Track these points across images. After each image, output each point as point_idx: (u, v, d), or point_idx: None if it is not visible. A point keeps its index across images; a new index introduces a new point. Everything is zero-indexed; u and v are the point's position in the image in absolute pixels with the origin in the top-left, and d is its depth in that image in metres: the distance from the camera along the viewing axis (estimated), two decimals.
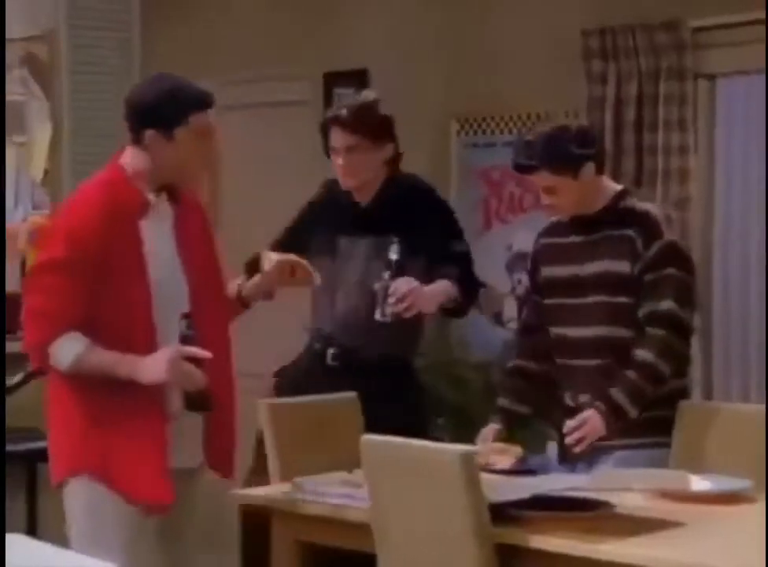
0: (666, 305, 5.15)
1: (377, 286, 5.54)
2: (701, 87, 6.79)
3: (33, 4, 6.97)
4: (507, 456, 5.27)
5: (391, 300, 5.50)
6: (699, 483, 4.79)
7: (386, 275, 5.53)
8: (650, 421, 5.22)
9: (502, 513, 4.41)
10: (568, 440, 5.11)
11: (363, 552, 4.72)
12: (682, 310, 5.19)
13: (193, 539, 4.97)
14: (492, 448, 5.32)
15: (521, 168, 5.33)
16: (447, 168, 7.45)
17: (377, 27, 7.47)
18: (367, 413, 5.53)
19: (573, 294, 5.36)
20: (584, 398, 5.26)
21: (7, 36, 7.06)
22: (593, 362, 5.29)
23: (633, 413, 5.11)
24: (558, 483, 4.81)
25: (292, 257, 5.17)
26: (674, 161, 6.72)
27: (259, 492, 5.20)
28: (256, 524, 5.38)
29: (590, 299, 5.29)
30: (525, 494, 4.46)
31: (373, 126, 5.78)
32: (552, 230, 5.55)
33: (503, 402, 5.55)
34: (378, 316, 5.52)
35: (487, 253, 7.24)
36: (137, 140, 4.78)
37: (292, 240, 5.85)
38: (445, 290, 5.74)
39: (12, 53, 6.94)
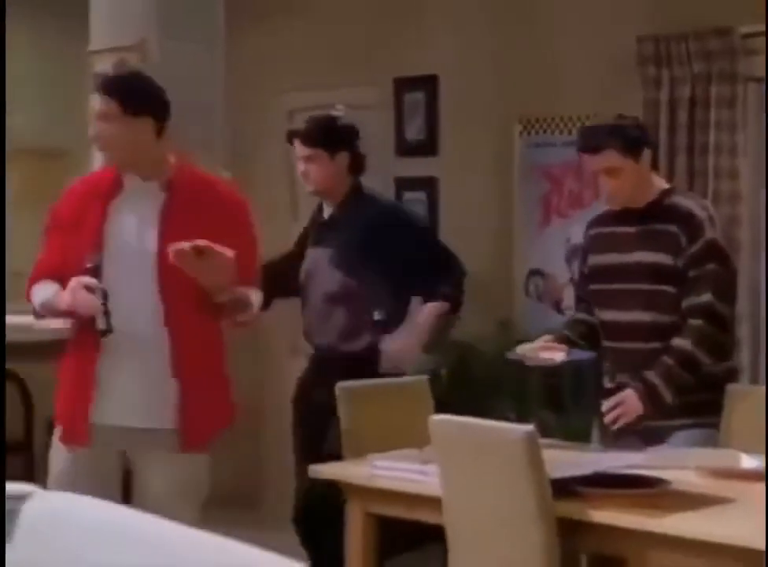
0: (706, 298, 5.11)
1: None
2: (750, 90, 6.77)
3: (126, 17, 6.99)
4: (554, 351, 5.36)
5: (386, 365, 5.80)
6: (747, 462, 4.76)
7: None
8: (700, 403, 5.18)
9: (564, 488, 4.37)
10: (607, 419, 5.10)
11: (431, 524, 4.69)
12: (720, 303, 5.14)
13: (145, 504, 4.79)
14: (540, 345, 5.40)
15: (589, 149, 5.22)
16: (510, 167, 7.43)
17: (446, 35, 7.44)
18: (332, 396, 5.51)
19: (617, 281, 5.32)
20: (622, 377, 5.24)
21: (104, 46, 7.07)
22: (633, 345, 5.26)
23: (667, 396, 5.07)
24: (617, 460, 4.76)
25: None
26: (725, 160, 6.73)
27: (335, 468, 5.17)
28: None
29: (633, 286, 5.25)
30: (586, 470, 4.44)
31: (328, 138, 5.96)
32: (601, 220, 5.52)
33: (563, 331, 5.57)
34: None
35: (547, 246, 7.24)
36: None
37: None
38: (430, 316, 5.97)
39: (108, 61, 6.96)
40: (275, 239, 7.60)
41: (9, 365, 6.10)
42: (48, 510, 3.71)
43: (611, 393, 5.21)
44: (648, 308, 5.21)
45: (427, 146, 7.61)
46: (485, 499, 4.42)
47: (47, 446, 5.12)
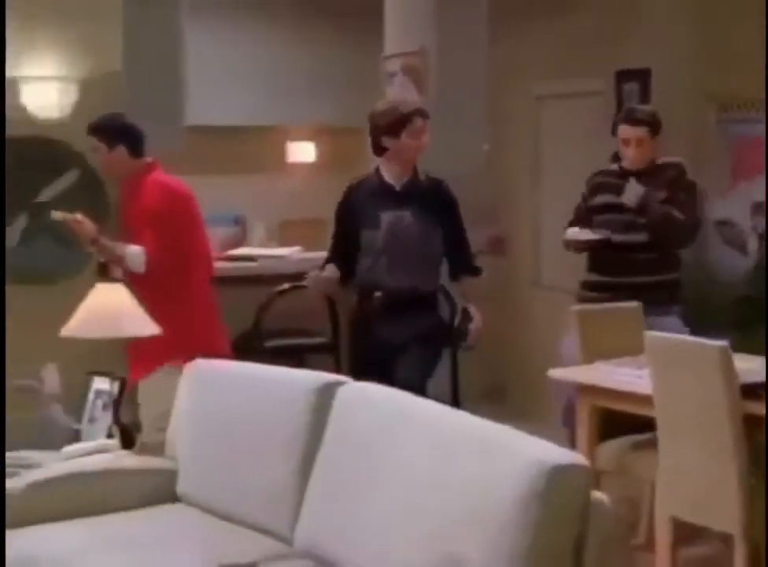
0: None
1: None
2: None
3: (411, 29, 7.06)
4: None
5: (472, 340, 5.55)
6: None
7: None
8: None
9: (752, 392, 4.32)
10: None
11: (644, 415, 4.69)
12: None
13: None
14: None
15: (634, 121, 5.63)
16: (706, 139, 7.31)
17: (658, 34, 7.33)
18: (405, 324, 5.33)
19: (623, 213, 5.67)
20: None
21: (393, 52, 7.18)
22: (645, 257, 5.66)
23: None
24: None
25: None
26: None
27: (570, 372, 5.18)
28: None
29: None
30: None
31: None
32: (607, 173, 5.89)
33: None
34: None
35: (735, 204, 7.13)
36: None
37: (344, 214, 5.57)
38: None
39: (396, 64, 7.08)
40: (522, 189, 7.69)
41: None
42: (355, 393, 3.89)
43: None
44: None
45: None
46: (686, 398, 4.38)
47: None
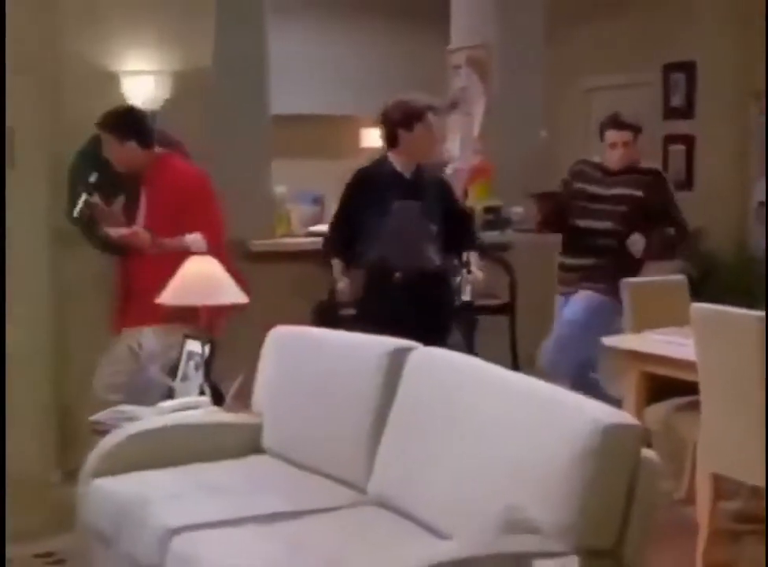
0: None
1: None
2: None
3: (474, 24, 7.06)
4: None
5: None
6: None
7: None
8: None
9: None
10: None
11: (688, 380, 4.66)
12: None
13: None
14: None
15: (620, 126, 5.66)
16: (747, 127, 7.23)
17: (704, 29, 7.25)
18: (421, 300, 5.30)
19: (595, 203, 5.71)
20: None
21: (458, 46, 7.17)
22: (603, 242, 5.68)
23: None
24: None
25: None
26: None
27: (621, 340, 5.16)
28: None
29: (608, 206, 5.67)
30: None
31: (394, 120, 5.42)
32: (587, 163, 5.92)
33: None
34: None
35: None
36: None
37: (353, 196, 5.49)
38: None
39: (461, 57, 7.07)
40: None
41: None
42: (424, 356, 3.89)
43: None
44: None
45: (686, 112, 7.50)
46: (727, 364, 4.34)
47: None
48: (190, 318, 4.76)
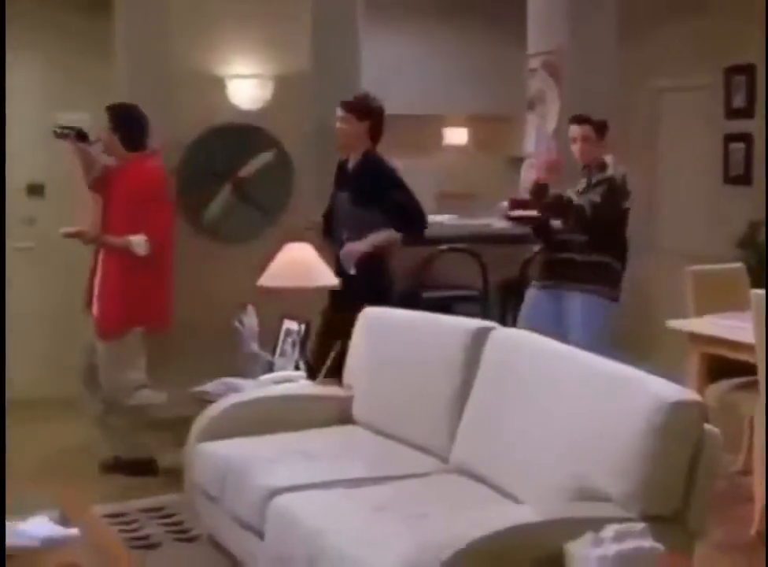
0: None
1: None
2: None
3: (550, 30, 6.99)
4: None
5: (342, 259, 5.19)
6: None
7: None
8: None
9: None
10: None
11: (746, 361, 4.58)
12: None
13: None
14: None
15: (579, 120, 5.39)
16: None
17: (763, 34, 7.08)
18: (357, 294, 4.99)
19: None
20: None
21: (533, 51, 7.10)
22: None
23: None
24: None
25: None
26: None
27: (685, 324, 5.06)
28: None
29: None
30: None
31: (357, 108, 5.24)
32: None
33: None
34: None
35: None
36: None
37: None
38: (384, 235, 5.20)
39: (537, 61, 7.02)
40: (642, 168, 7.51)
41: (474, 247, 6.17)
42: (504, 336, 3.86)
43: None
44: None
45: (746, 112, 7.34)
46: None
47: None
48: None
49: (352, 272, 5.14)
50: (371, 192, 5.20)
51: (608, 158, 5.42)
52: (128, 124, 5.17)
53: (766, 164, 6.56)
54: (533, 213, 5.35)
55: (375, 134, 5.26)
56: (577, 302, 5.32)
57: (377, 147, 5.28)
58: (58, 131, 5.17)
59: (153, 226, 5.04)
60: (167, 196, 5.24)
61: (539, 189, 5.32)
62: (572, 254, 5.37)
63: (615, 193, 5.29)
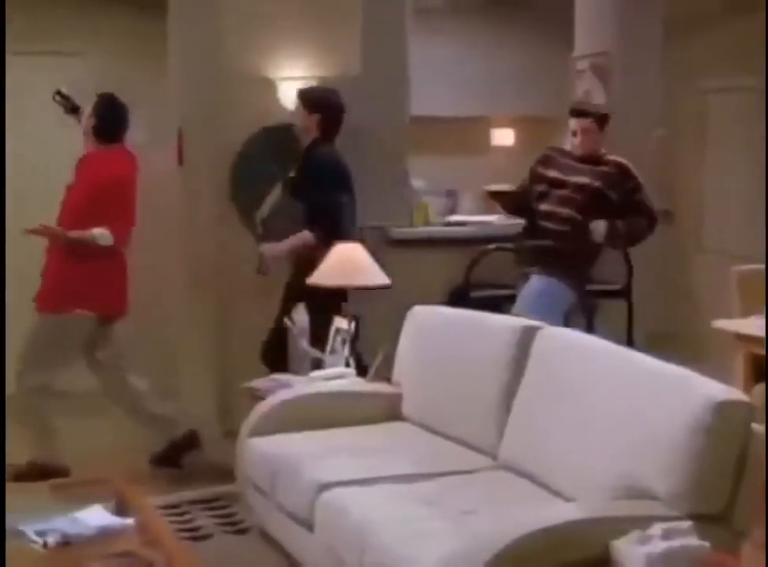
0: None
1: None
2: None
3: (596, 32, 6.95)
4: None
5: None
6: None
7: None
8: None
9: None
10: None
11: None
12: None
13: None
14: None
15: (579, 113, 5.36)
16: None
17: None
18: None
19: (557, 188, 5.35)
20: None
21: (580, 53, 7.05)
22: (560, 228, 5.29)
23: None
24: None
25: None
26: None
27: (730, 324, 5.02)
28: None
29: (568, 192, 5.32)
30: None
31: (307, 101, 5.32)
32: (557, 150, 5.55)
33: None
34: None
35: None
36: None
37: None
38: (300, 236, 5.22)
39: (584, 63, 6.97)
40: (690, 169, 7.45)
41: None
42: (552, 334, 3.84)
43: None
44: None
45: None
46: None
47: None
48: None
49: (270, 274, 5.20)
50: (300, 185, 5.26)
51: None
52: (105, 114, 5.10)
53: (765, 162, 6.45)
54: (510, 187, 5.39)
55: (326, 128, 5.28)
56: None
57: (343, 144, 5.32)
58: (56, 98, 5.15)
59: (115, 219, 5.00)
60: (129, 193, 5.15)
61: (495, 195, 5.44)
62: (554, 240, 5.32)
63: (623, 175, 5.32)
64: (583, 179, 5.35)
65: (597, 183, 5.34)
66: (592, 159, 5.40)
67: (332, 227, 5.12)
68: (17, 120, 6.36)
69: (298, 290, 5.02)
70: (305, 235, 5.20)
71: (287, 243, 5.27)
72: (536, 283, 5.34)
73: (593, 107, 5.55)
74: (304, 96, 5.37)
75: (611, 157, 5.42)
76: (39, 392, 5.06)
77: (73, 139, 5.35)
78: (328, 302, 4.85)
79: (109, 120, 5.12)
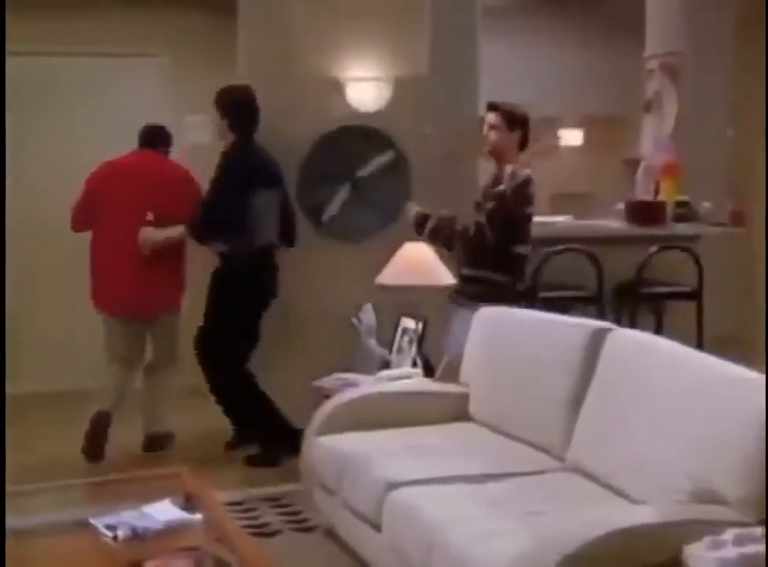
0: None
1: None
2: None
3: (667, 32, 6.87)
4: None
5: None
6: None
7: None
8: None
9: None
10: None
11: None
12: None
13: None
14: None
15: (490, 108, 5.08)
16: None
17: None
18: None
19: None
20: None
21: (651, 53, 6.96)
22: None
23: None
24: None
25: None
26: None
27: None
28: None
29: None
30: None
31: (217, 105, 5.31)
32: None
33: None
34: None
35: None
36: None
37: None
38: (178, 228, 5.24)
39: (655, 63, 6.89)
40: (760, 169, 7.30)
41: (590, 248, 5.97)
42: (622, 337, 3.78)
43: None
44: None
45: None
46: None
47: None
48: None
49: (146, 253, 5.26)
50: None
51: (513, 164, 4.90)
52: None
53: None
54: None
55: (239, 130, 5.28)
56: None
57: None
58: None
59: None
60: (87, 190, 5.46)
61: (419, 219, 4.98)
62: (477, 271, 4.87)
63: (517, 196, 4.80)
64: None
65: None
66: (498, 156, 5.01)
67: (198, 228, 5.17)
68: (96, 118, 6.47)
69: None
70: (179, 229, 5.26)
71: (164, 233, 5.29)
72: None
73: (508, 105, 5.07)
74: (215, 100, 5.35)
75: (516, 169, 4.89)
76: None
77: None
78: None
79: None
